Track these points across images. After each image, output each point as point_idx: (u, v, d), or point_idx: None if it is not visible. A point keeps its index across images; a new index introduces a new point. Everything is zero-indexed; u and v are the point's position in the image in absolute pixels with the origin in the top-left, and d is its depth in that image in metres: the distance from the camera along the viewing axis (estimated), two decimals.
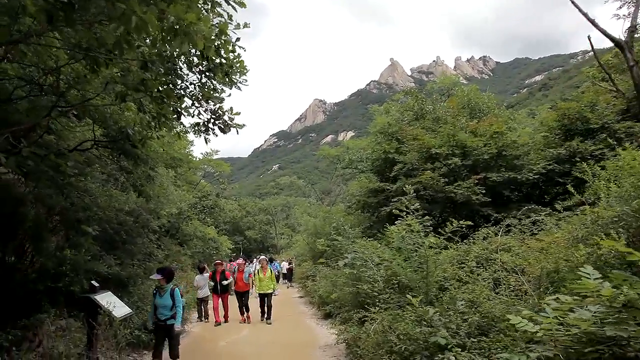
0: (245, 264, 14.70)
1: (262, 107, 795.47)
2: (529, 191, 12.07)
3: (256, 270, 12.86)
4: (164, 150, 11.06)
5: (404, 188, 8.96)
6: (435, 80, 28.53)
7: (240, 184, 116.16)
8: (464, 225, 6.68)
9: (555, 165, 10.38)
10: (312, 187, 61.59)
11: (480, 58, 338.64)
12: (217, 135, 7.64)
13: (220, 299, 12.98)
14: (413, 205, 8.32)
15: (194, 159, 23.70)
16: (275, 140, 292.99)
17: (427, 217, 8.31)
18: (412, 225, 7.30)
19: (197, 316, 13.83)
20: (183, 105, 7.11)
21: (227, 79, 6.62)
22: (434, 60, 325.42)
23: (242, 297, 12.97)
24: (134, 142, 8.65)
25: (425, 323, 5.96)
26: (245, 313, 12.89)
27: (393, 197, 11.97)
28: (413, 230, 7.38)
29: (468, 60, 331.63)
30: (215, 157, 25.79)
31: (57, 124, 8.55)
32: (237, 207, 57.67)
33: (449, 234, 6.86)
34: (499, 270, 7.36)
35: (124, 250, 11.82)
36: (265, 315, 12.50)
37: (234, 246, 38.81)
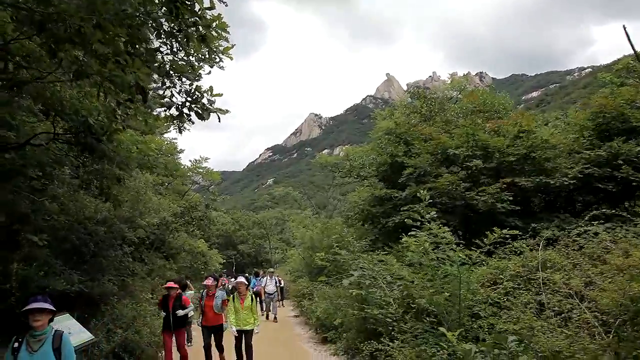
0: (218, 284, 10.24)
1: (258, 120, 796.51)
2: (555, 199, 10.72)
3: (232, 297, 8.70)
4: (137, 148, 9.54)
5: (419, 194, 7.59)
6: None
7: (235, 197, 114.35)
8: (508, 236, 5.22)
9: (595, 168, 9.00)
10: (309, 200, 59.98)
11: (476, 74, 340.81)
12: (193, 123, 6.21)
13: (173, 338, 8.53)
14: (429, 213, 6.96)
15: (182, 167, 22.17)
16: (271, 154, 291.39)
17: (444, 227, 6.98)
18: (439, 235, 5.81)
19: None
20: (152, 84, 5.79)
21: (204, 48, 5.20)
22: (430, 76, 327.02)
23: (213, 333, 8.80)
24: (97, 135, 7.21)
25: None
26: (219, 355, 8.96)
27: (402, 205, 10.53)
28: (440, 242, 5.90)
29: (464, 76, 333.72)
30: (205, 164, 24.14)
31: (17, 117, 7.22)
32: (229, 220, 56.10)
33: (489, 247, 5.37)
34: (542, 293, 5.95)
35: (93, 264, 10.38)
36: None
37: (225, 261, 37.12)
